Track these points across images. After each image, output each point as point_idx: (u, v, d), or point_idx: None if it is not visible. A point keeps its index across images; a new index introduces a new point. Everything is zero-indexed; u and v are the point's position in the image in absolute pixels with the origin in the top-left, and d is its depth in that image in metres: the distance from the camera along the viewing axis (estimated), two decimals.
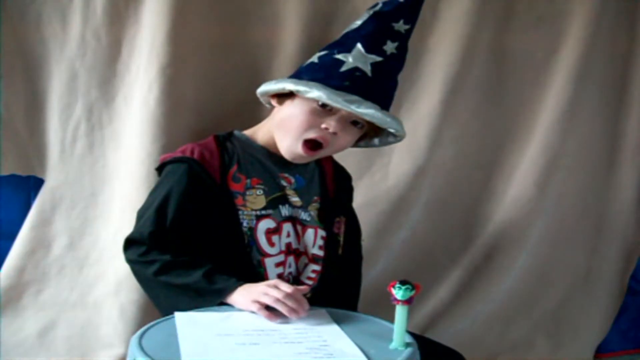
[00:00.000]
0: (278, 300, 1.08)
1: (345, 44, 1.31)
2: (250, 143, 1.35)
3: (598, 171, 2.03)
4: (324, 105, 1.26)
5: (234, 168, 1.30)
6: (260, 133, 1.37)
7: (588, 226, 2.04)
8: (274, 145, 1.34)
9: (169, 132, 1.55)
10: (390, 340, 0.99)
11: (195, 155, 1.28)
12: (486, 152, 1.91)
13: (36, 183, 1.62)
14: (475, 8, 1.75)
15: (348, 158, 1.73)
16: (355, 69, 1.27)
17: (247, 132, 1.38)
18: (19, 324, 1.56)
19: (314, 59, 1.33)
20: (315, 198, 1.39)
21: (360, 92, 1.24)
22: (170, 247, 1.22)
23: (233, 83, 1.61)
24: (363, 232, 1.56)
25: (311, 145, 1.28)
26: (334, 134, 1.27)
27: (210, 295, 1.15)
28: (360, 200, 1.73)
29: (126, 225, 1.55)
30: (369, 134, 1.38)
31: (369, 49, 1.28)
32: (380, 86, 1.30)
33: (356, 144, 1.40)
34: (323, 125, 1.27)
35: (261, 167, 1.33)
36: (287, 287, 1.11)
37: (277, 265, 1.29)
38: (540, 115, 1.89)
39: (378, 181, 1.79)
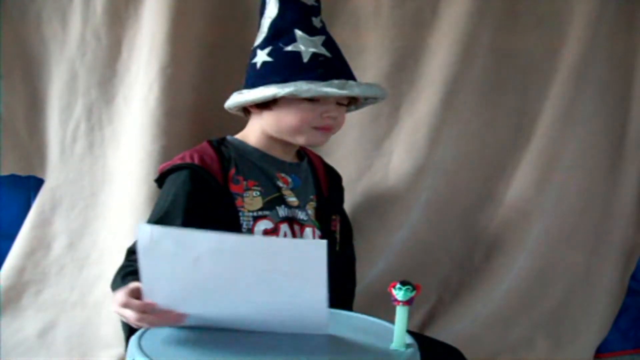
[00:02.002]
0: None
1: (283, 35, 1.30)
2: (244, 146, 1.35)
3: (598, 171, 2.02)
4: (310, 98, 1.27)
5: (233, 170, 1.30)
6: (251, 136, 1.36)
7: (588, 226, 2.04)
8: (268, 146, 1.35)
9: (169, 132, 1.55)
10: (391, 341, 0.99)
11: (196, 160, 1.27)
12: (486, 152, 1.91)
13: (36, 183, 1.62)
14: (476, 8, 1.74)
15: (348, 158, 1.74)
16: (315, 55, 1.27)
17: (239, 137, 1.38)
18: (19, 324, 1.56)
19: (264, 58, 1.30)
20: (312, 197, 1.39)
21: (336, 75, 1.26)
22: None
23: (233, 83, 1.60)
24: (362, 232, 1.56)
25: (325, 128, 1.31)
26: (334, 118, 1.30)
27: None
28: (360, 200, 1.74)
29: (126, 225, 1.56)
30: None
31: (309, 32, 1.29)
32: (341, 61, 1.32)
33: None
34: (325, 114, 1.29)
35: (257, 169, 1.33)
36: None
37: None
38: (541, 115, 1.89)
39: (378, 181, 1.79)
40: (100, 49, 1.58)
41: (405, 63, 1.77)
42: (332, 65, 1.28)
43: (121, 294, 1.00)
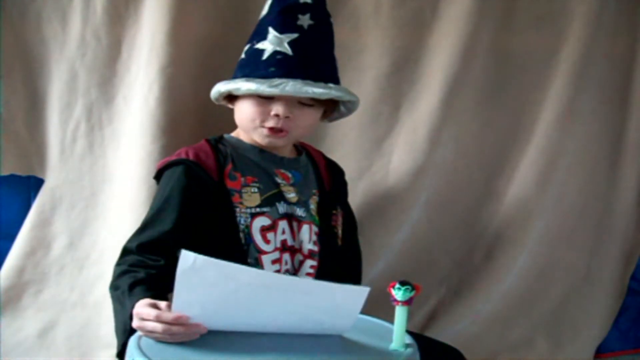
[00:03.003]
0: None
1: (261, 32, 1.32)
2: (241, 144, 1.36)
3: (598, 171, 2.02)
4: (263, 96, 1.28)
5: (229, 167, 1.31)
6: (242, 133, 1.38)
7: (588, 226, 2.04)
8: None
9: (169, 132, 1.55)
10: (390, 341, 0.99)
11: (191, 156, 1.29)
12: (486, 152, 1.91)
13: (36, 183, 1.62)
14: (475, 8, 1.74)
15: (348, 158, 1.73)
16: (276, 53, 1.28)
17: (234, 134, 1.40)
18: (19, 324, 1.56)
19: (242, 54, 1.35)
20: (314, 191, 1.40)
21: (286, 74, 1.26)
22: (164, 252, 1.20)
23: None
24: (362, 232, 1.56)
25: (273, 130, 1.30)
26: (287, 117, 1.29)
27: (122, 314, 1.10)
28: (360, 200, 1.74)
29: (126, 225, 1.56)
30: (333, 106, 1.39)
31: (281, 30, 1.29)
32: (307, 60, 1.30)
33: (330, 120, 1.43)
34: (272, 112, 1.29)
35: (255, 166, 1.34)
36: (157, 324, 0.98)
37: (274, 262, 1.29)
38: (540, 115, 1.89)
39: (378, 181, 1.79)
40: (100, 49, 1.58)
41: (405, 63, 1.77)
42: (287, 63, 1.27)
43: (146, 309, 0.98)
